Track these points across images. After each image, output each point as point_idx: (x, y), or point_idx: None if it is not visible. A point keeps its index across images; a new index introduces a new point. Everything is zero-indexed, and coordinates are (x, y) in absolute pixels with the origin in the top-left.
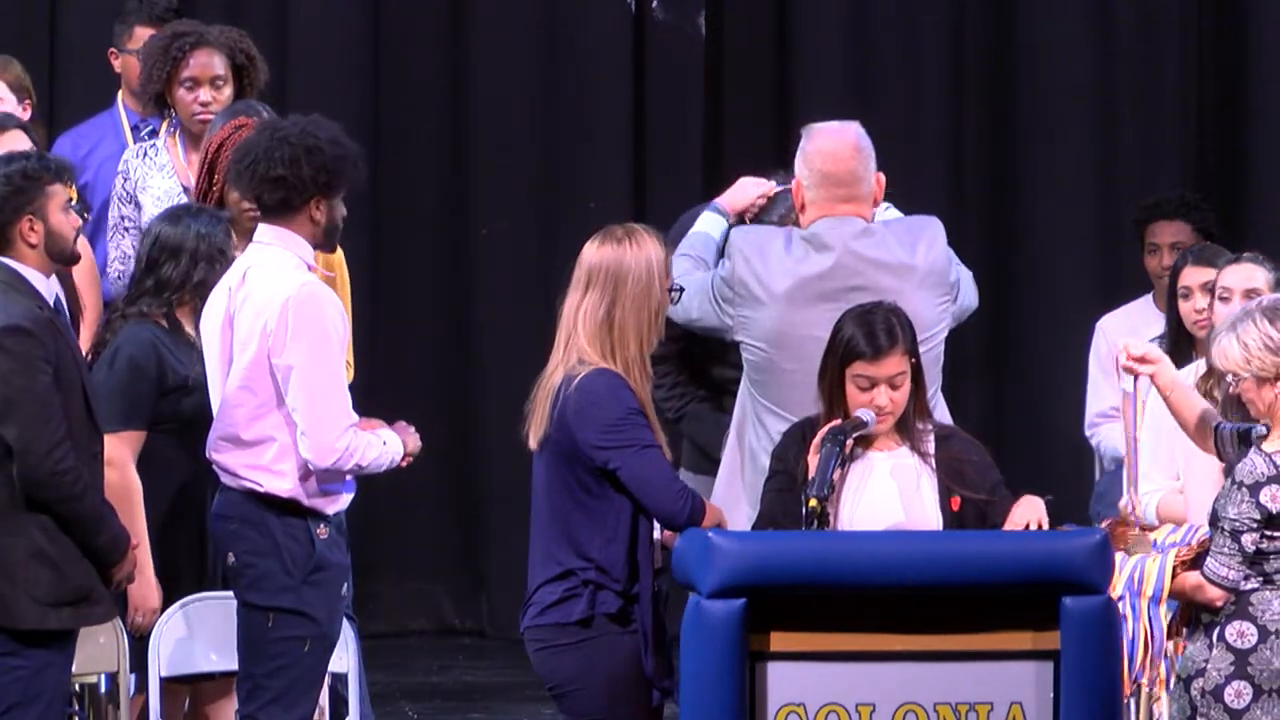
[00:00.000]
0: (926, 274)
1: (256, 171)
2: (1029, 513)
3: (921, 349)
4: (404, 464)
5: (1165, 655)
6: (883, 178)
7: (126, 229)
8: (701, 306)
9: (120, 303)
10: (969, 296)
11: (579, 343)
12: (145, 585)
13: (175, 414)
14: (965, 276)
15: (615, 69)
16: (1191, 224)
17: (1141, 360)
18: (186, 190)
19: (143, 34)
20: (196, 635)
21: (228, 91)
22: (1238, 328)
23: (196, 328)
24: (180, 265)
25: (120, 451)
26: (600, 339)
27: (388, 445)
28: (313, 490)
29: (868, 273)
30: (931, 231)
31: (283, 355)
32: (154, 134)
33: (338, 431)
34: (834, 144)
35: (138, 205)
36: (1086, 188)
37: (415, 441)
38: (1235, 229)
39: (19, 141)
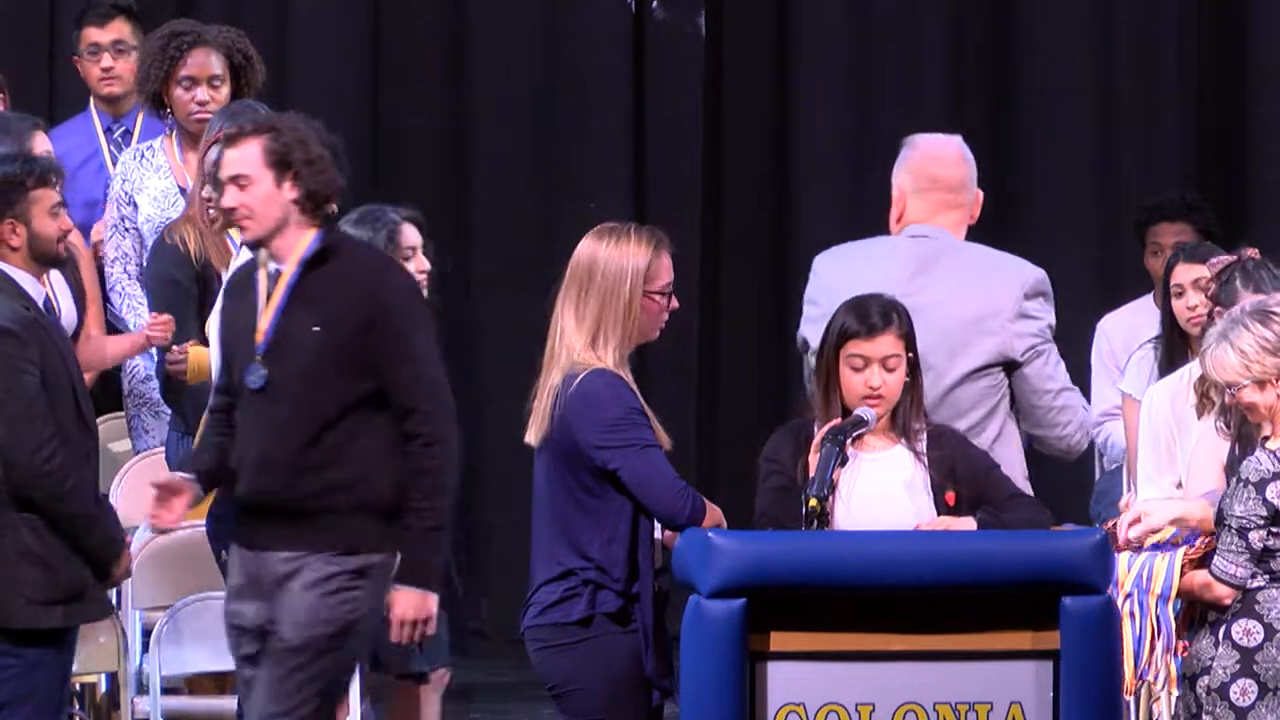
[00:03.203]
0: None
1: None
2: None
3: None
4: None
5: (1175, 653)
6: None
7: (126, 229)
8: None
9: None
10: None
11: (567, 340)
12: None
13: None
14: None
15: (615, 69)
16: (1193, 224)
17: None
18: (183, 190)
19: (89, 34)
20: (197, 635)
21: (225, 91)
22: (1229, 335)
23: None
24: None
25: None
26: (580, 335)
27: None
28: None
29: None
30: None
31: None
32: (127, 135)
33: None
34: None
35: (135, 206)
36: (1086, 188)
37: None
38: (1235, 229)
39: (40, 142)
